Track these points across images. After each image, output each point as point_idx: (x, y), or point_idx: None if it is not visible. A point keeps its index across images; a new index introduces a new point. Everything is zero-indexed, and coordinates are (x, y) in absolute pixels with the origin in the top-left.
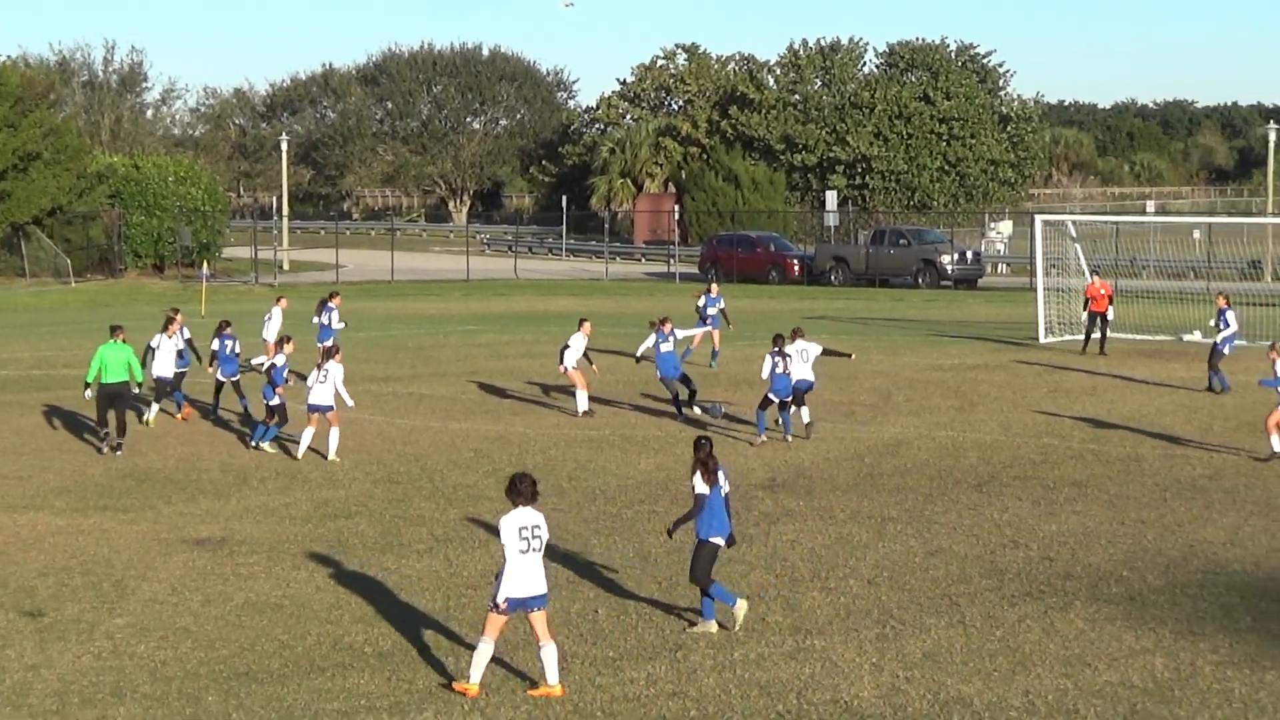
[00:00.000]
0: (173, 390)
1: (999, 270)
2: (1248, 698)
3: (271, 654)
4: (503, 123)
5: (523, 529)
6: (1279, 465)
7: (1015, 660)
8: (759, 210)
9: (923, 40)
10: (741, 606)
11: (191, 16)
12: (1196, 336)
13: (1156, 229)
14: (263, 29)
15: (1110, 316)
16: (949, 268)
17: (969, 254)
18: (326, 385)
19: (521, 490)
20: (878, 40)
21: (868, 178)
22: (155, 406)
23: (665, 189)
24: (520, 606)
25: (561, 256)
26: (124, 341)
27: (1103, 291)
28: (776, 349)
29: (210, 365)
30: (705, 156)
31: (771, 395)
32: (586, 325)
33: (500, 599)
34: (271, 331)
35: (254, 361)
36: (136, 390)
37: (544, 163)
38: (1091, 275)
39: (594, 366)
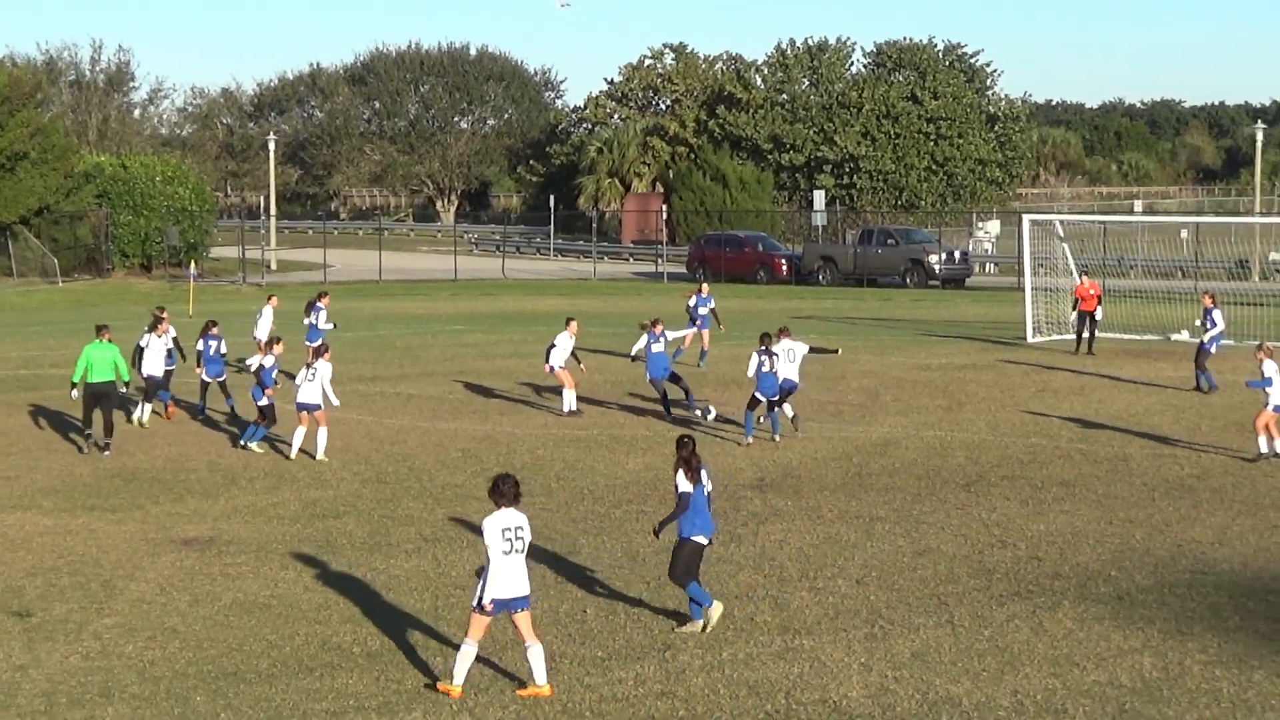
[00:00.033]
0: (160, 390)
1: (986, 270)
2: (1235, 697)
3: (259, 654)
4: (490, 122)
5: (505, 530)
6: (1266, 465)
7: (1003, 660)
8: (747, 210)
9: (910, 40)
10: (716, 609)
11: (179, 16)
12: (1184, 336)
13: (1144, 228)
14: (250, 29)
15: (1099, 316)
16: (937, 267)
17: (957, 254)
18: (314, 384)
19: (504, 491)
20: (865, 40)
21: (855, 177)
22: (147, 407)
23: (653, 189)
24: (504, 608)
25: (549, 256)
26: (110, 341)
27: (1092, 292)
28: (763, 348)
29: (198, 365)
30: (693, 156)
31: (758, 395)
32: (573, 324)
33: (487, 600)
34: (263, 330)
35: (247, 362)
36: (124, 390)
37: (531, 162)
38: (1080, 276)
39: (582, 366)
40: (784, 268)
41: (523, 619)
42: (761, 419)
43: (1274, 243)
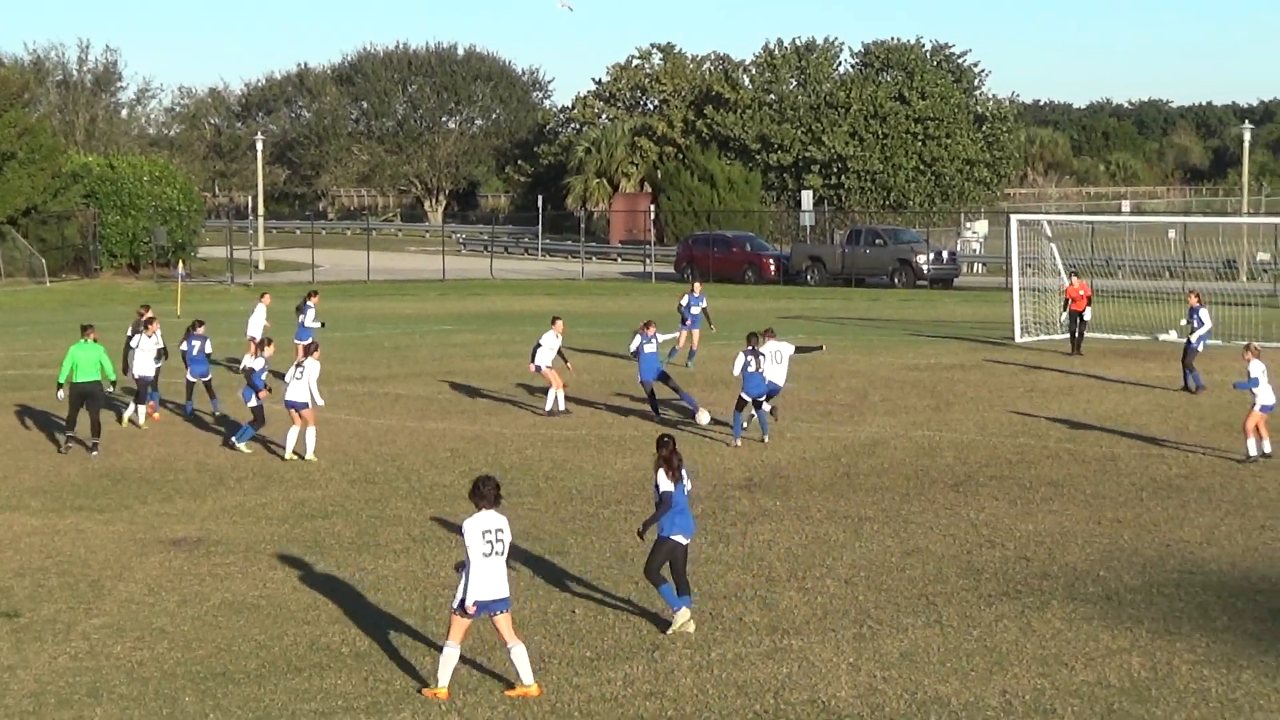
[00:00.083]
0: (152, 391)
1: (975, 270)
2: (1224, 697)
3: (248, 654)
4: (478, 122)
5: (486, 532)
6: (1254, 465)
7: (992, 660)
8: (735, 210)
9: (898, 40)
10: (683, 615)
11: (166, 16)
12: (1172, 336)
13: (1132, 229)
14: (238, 29)
15: (1087, 317)
16: (925, 267)
17: (945, 254)
18: (302, 382)
19: (485, 493)
20: (853, 40)
21: (843, 177)
22: (141, 409)
23: (641, 189)
24: (484, 610)
25: (537, 256)
26: (95, 341)
27: (1082, 292)
28: (750, 348)
29: (185, 365)
30: (681, 156)
31: (745, 395)
32: (559, 324)
33: (469, 603)
34: (256, 328)
35: (242, 366)
36: (110, 390)
37: (520, 162)
38: (1070, 276)
39: (569, 365)
40: (772, 268)
41: (503, 621)
42: (746, 423)
43: (1261, 243)
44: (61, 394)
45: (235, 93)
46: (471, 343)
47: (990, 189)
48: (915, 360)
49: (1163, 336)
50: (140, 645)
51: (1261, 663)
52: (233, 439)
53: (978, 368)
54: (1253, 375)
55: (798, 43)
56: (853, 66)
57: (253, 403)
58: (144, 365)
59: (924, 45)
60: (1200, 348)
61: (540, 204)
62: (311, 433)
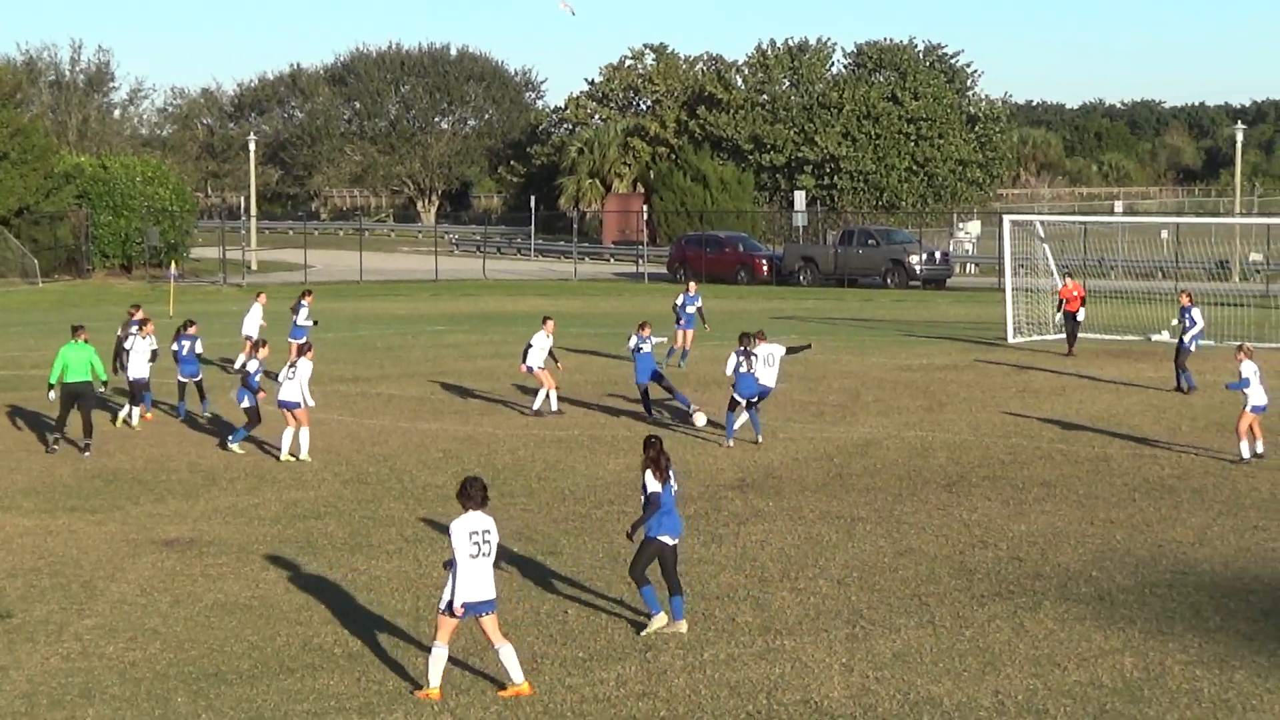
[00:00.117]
0: (145, 392)
1: (967, 270)
2: (1216, 697)
3: (241, 655)
4: (471, 123)
5: (473, 533)
6: (1247, 466)
7: (985, 660)
8: (727, 210)
9: (891, 40)
10: (659, 620)
11: (159, 16)
12: (1164, 336)
13: (1124, 229)
14: (230, 29)
15: (1081, 318)
16: (917, 268)
17: (937, 254)
18: (294, 382)
19: (472, 494)
20: (846, 40)
21: (836, 178)
22: (135, 410)
23: (634, 189)
24: (472, 611)
25: (530, 257)
26: (86, 341)
27: (1075, 293)
28: (742, 348)
29: (177, 364)
30: (673, 156)
31: (737, 396)
32: (549, 324)
33: (457, 604)
34: (252, 327)
35: (236, 365)
36: (102, 390)
37: (512, 163)
38: (1064, 277)
39: (559, 365)
40: (765, 268)
41: (489, 622)
42: (736, 425)
43: (1254, 243)
44: (53, 395)
45: (228, 93)
46: (464, 343)
47: (983, 189)
48: (908, 361)
49: (1155, 337)
50: (133, 646)
51: (1254, 663)
52: (232, 440)
53: (970, 368)
54: (1244, 376)
55: (790, 43)
56: (845, 67)
57: (246, 403)
58: (139, 367)
59: (917, 46)
60: (1193, 347)
61: (533, 204)
62: (305, 433)
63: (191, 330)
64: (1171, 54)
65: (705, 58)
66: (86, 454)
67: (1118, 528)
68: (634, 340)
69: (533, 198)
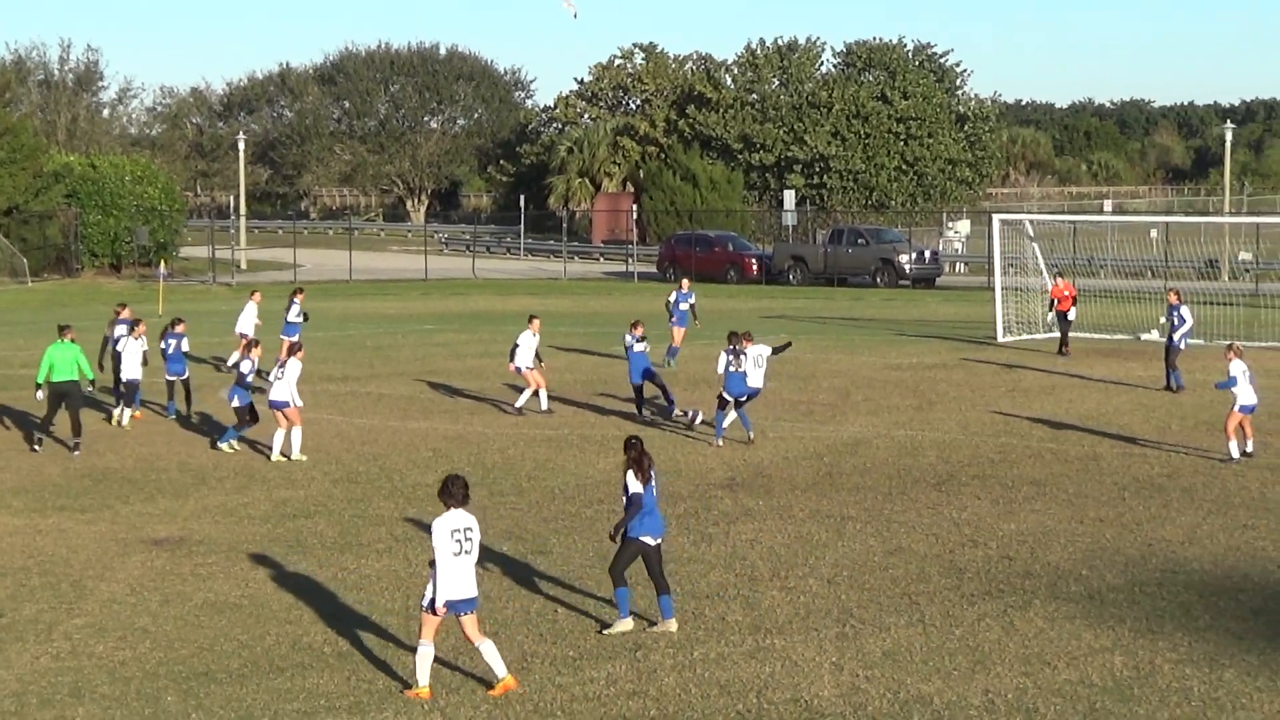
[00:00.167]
0: (136, 392)
1: (957, 269)
2: (1206, 696)
3: (231, 654)
4: (460, 122)
5: (455, 531)
6: (1236, 465)
7: (975, 659)
8: (717, 210)
9: (880, 40)
10: (625, 624)
11: (148, 15)
12: (1154, 335)
13: (1114, 228)
14: (219, 28)
15: (1072, 317)
16: (907, 267)
17: (927, 253)
18: (284, 382)
19: (453, 492)
20: (835, 40)
21: (825, 177)
22: (128, 411)
23: (623, 188)
24: (453, 610)
25: (519, 256)
26: (72, 341)
27: (1066, 293)
28: (731, 346)
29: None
30: (663, 156)
31: (726, 395)
32: (536, 322)
33: (439, 603)
34: (247, 325)
35: (229, 362)
36: (89, 389)
37: (502, 162)
38: (1056, 277)
39: (542, 364)
40: (754, 267)
41: (469, 621)
42: (725, 424)
43: (1243, 242)
44: (40, 394)
45: (217, 92)
46: (454, 342)
47: (972, 189)
48: (897, 360)
49: (1145, 336)
50: (122, 645)
51: (1244, 661)
52: (222, 440)
53: (960, 367)
54: (1231, 374)
55: (780, 42)
56: (835, 66)
57: (236, 402)
58: (133, 368)
59: (906, 45)
60: (1182, 345)
61: (522, 204)
62: (297, 432)
63: (179, 328)
64: (1161, 53)
65: (695, 57)
66: (76, 453)
67: (1107, 526)
68: (628, 339)
69: (522, 197)
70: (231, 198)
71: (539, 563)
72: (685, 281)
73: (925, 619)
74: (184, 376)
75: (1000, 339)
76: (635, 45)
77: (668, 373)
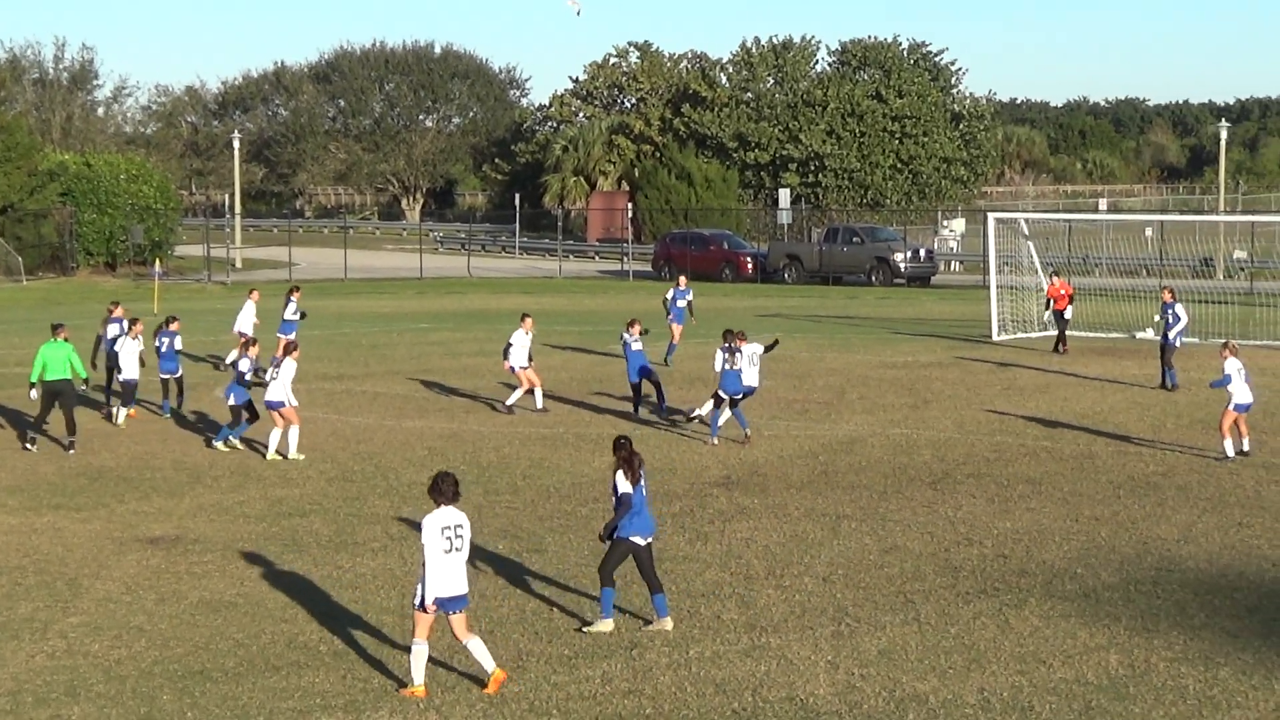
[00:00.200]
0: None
1: (952, 268)
2: (1201, 694)
3: (226, 653)
4: (455, 120)
5: (445, 529)
6: (1231, 463)
7: (970, 657)
8: (712, 208)
9: (875, 38)
10: (605, 624)
11: (143, 14)
12: (1149, 334)
13: (1109, 227)
14: (214, 27)
15: (1068, 315)
16: (902, 265)
17: (922, 252)
18: (279, 382)
19: (444, 490)
20: (830, 38)
21: (821, 175)
22: (124, 411)
23: (618, 187)
24: (444, 607)
25: (515, 254)
26: (65, 340)
27: (1063, 291)
28: (727, 345)
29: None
30: (658, 154)
31: (722, 393)
32: (528, 321)
33: (429, 600)
34: (246, 324)
35: (227, 360)
36: (83, 388)
37: (497, 161)
38: (1052, 276)
39: (532, 364)
40: (749, 266)
41: (458, 620)
42: (720, 422)
43: (1238, 241)
44: (34, 394)
45: (212, 91)
46: (449, 341)
47: (967, 187)
48: (893, 358)
49: (1140, 334)
50: (118, 643)
51: (1239, 660)
52: (218, 438)
53: (955, 366)
54: (1226, 372)
55: (775, 41)
56: (830, 65)
57: (232, 401)
58: (131, 368)
59: (901, 44)
60: (1177, 343)
61: (517, 202)
62: (294, 431)
63: (173, 327)
64: (1156, 52)
65: (690, 56)
66: (71, 451)
67: (1102, 525)
68: (626, 337)
69: (517, 195)
70: (226, 196)
71: (534, 561)
72: (683, 278)
73: (921, 617)
74: (178, 375)
75: (995, 337)
76: (630, 44)
77: (663, 371)
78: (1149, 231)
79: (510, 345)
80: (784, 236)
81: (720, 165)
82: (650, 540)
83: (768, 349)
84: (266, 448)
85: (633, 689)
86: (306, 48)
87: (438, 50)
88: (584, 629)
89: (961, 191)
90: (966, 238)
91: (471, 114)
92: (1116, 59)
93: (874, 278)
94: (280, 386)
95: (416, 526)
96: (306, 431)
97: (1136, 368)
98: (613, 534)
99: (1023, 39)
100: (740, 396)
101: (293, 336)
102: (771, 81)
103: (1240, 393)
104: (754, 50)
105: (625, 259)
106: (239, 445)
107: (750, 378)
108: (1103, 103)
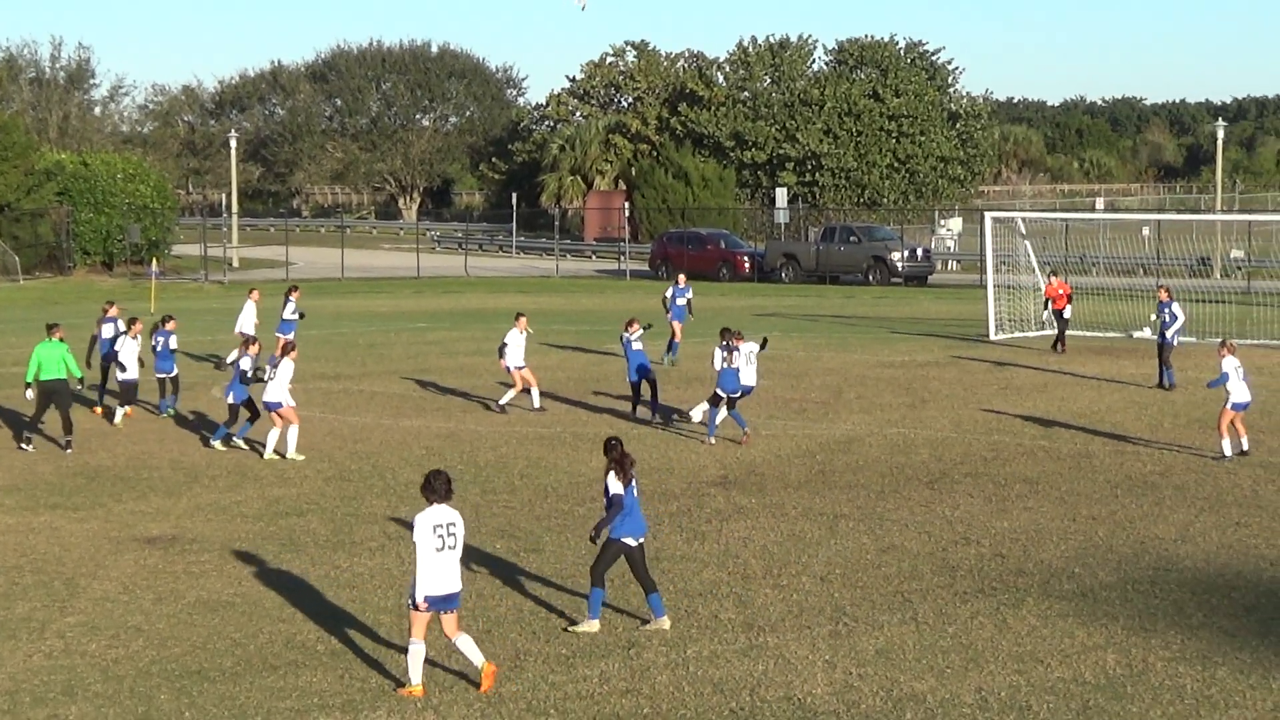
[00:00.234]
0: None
1: (949, 267)
2: (1199, 693)
3: (224, 652)
4: (452, 120)
5: (437, 527)
6: (1229, 463)
7: (968, 657)
8: (709, 207)
9: (872, 38)
10: (592, 625)
11: (139, 13)
12: (1146, 333)
13: (1106, 226)
14: (211, 26)
15: (1067, 315)
16: (899, 265)
17: (919, 251)
18: (277, 382)
19: (436, 488)
20: (827, 37)
21: (818, 175)
22: (120, 411)
23: (615, 186)
24: (437, 605)
25: (512, 254)
26: (60, 339)
27: (1061, 291)
28: (724, 343)
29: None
30: (655, 154)
31: (720, 392)
32: (522, 320)
33: (419, 599)
34: (248, 324)
35: (228, 359)
36: (78, 388)
37: (494, 160)
38: (1050, 276)
39: (526, 365)
40: (746, 265)
41: (449, 619)
42: (718, 421)
43: (1235, 240)
44: (30, 394)
45: (209, 90)
46: (446, 340)
47: (964, 186)
48: (890, 358)
49: (1137, 334)
50: (115, 643)
51: (1236, 659)
52: (215, 437)
53: (952, 365)
54: (1224, 371)
55: (772, 40)
56: (827, 64)
57: (231, 399)
58: (132, 368)
59: (898, 43)
60: (1175, 342)
61: (514, 201)
62: (294, 430)
63: (169, 326)
64: (1152, 51)
65: (686, 55)
66: (69, 450)
67: (1100, 524)
68: (625, 336)
69: (514, 195)
70: (223, 195)
71: (531, 560)
72: (682, 276)
73: (918, 617)
74: (173, 374)
75: (993, 337)
76: (627, 43)
77: (663, 370)
78: (1146, 231)
79: (505, 344)
80: (781, 236)
81: (717, 164)
82: (642, 541)
83: (760, 348)
84: (264, 447)
85: (630, 688)
86: (303, 47)
87: (434, 49)
88: (570, 629)
89: (958, 191)
90: (963, 237)
91: (468, 113)
92: (1113, 58)
93: (871, 277)
94: (278, 387)
95: (412, 526)
96: (303, 431)
97: (1134, 367)
98: (600, 534)
99: (1020, 38)
100: (738, 395)
101: (291, 337)
102: (768, 81)
103: (1238, 391)
104: (751, 49)
105: (622, 258)
106: (242, 445)
107: (748, 376)
108: (1100, 102)
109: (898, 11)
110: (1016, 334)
